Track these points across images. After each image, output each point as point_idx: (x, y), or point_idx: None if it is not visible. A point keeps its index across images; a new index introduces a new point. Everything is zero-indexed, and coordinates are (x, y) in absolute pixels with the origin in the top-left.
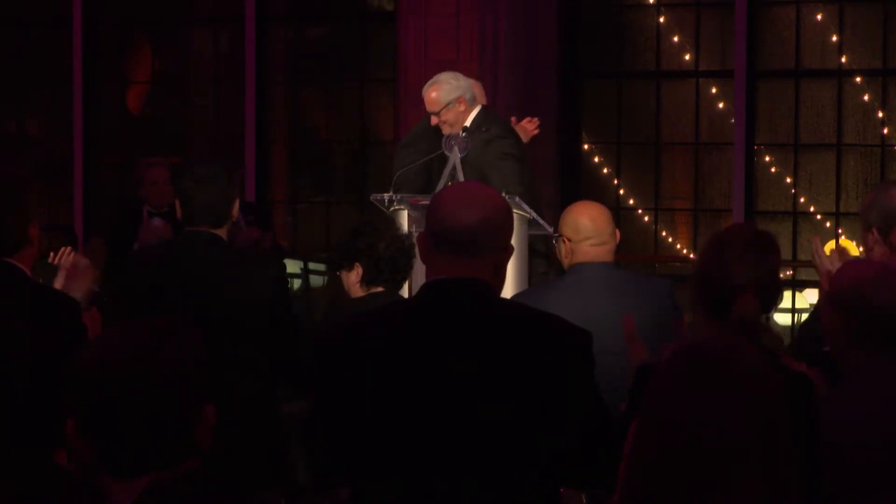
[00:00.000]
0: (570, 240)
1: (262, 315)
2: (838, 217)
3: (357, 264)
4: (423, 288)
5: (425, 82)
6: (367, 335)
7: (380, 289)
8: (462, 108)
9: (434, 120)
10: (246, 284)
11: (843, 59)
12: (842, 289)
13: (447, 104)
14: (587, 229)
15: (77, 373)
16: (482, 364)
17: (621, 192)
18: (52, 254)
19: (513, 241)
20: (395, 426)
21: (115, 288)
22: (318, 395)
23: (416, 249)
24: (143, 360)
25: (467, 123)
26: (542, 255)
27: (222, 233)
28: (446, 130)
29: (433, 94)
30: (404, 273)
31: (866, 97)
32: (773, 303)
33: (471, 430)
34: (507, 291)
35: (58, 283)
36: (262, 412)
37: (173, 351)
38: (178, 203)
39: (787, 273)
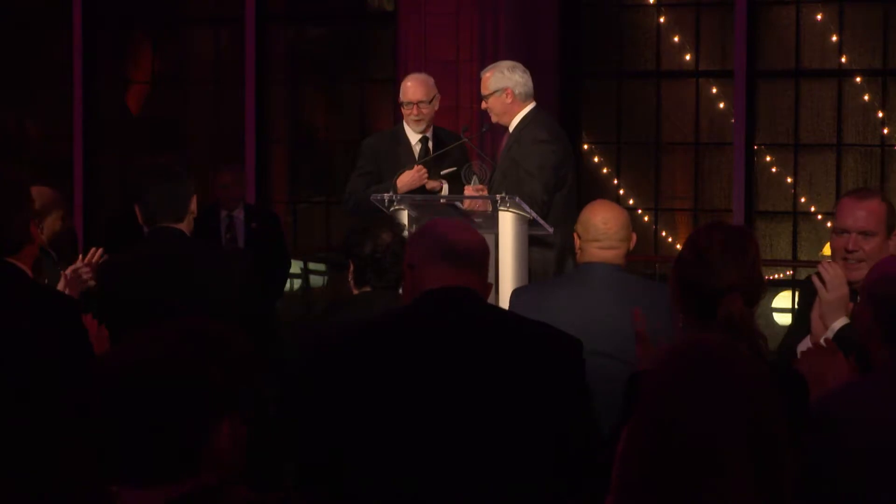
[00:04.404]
0: (580, 237)
1: (237, 307)
2: None
3: (350, 262)
4: (420, 297)
5: None
6: (364, 342)
7: (368, 289)
8: (509, 100)
9: (483, 104)
10: (219, 277)
11: (843, 59)
12: (873, 282)
13: (494, 91)
14: (596, 231)
15: (98, 378)
16: (478, 372)
17: (621, 192)
18: (80, 256)
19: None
20: (392, 431)
21: (95, 292)
22: (314, 401)
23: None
24: (164, 368)
25: (517, 120)
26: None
27: (184, 227)
28: (493, 119)
29: (486, 77)
30: (390, 276)
31: (866, 97)
32: (758, 298)
33: (467, 437)
34: (507, 289)
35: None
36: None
37: (200, 360)
38: (136, 208)
39: (788, 273)
